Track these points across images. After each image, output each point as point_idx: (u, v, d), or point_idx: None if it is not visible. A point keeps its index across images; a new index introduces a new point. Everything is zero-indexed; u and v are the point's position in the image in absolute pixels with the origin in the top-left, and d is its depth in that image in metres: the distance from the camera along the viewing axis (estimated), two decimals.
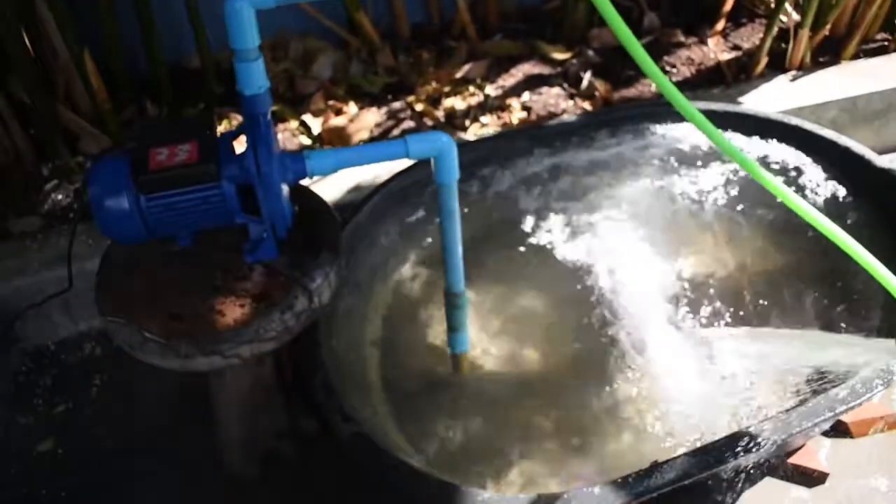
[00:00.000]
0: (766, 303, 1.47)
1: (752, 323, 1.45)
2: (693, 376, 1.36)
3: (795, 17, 2.02)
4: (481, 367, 1.40)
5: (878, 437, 1.37)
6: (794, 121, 1.58)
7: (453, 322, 1.27)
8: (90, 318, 1.55)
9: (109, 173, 0.98)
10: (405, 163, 1.45)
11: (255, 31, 0.92)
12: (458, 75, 2.00)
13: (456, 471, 1.24)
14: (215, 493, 1.32)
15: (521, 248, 1.57)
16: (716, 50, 2.08)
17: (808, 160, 1.55)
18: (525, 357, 1.43)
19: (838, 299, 1.43)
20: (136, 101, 1.90)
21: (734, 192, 1.59)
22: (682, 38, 2.10)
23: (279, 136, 1.84)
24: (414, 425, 1.29)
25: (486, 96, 1.95)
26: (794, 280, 1.49)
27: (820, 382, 1.24)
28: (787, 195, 1.14)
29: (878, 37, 2.10)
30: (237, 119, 1.88)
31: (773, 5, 1.96)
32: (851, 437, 1.37)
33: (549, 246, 1.56)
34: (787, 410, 1.11)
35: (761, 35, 1.96)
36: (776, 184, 1.14)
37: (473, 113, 1.90)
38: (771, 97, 1.90)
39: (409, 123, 1.88)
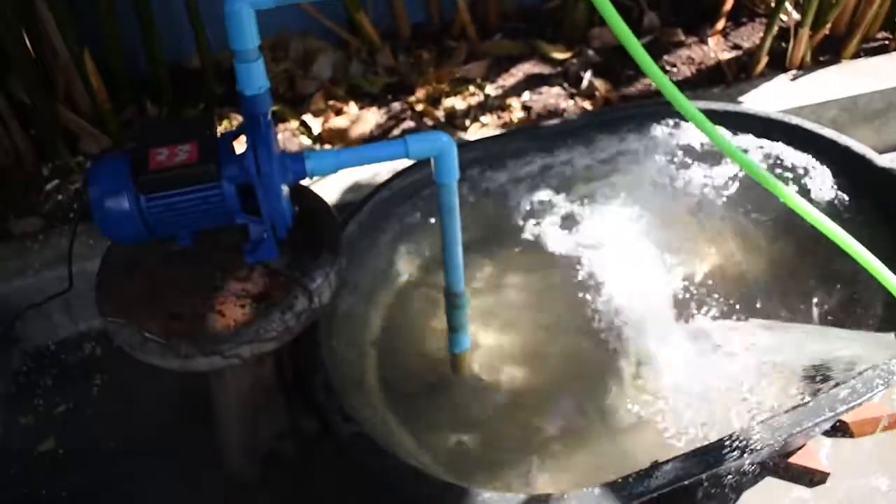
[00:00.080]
0: (767, 299, 1.47)
1: (754, 318, 1.45)
2: (695, 372, 1.36)
3: (796, 16, 2.02)
4: (481, 367, 1.40)
5: (879, 437, 1.37)
6: (795, 120, 1.58)
7: (453, 322, 1.27)
8: (90, 318, 1.56)
9: (109, 173, 0.97)
10: (405, 162, 1.45)
11: (254, 31, 0.92)
12: (459, 75, 2.00)
13: (456, 470, 1.23)
14: (215, 494, 1.32)
15: (521, 248, 1.57)
16: (716, 49, 2.08)
17: (809, 159, 1.54)
18: (526, 356, 1.43)
19: (839, 295, 1.43)
20: (136, 101, 1.90)
21: (735, 190, 1.59)
22: (682, 38, 2.10)
23: (279, 136, 1.84)
24: (414, 425, 1.29)
25: (487, 96, 1.95)
26: (795, 277, 1.49)
27: (822, 378, 1.25)
28: (787, 194, 1.14)
29: (879, 36, 2.10)
30: (237, 119, 1.88)
31: (773, 4, 1.96)
32: (852, 436, 1.37)
33: (548, 245, 1.56)
34: (788, 410, 1.11)
35: (761, 34, 1.96)
36: (776, 183, 1.14)
37: (474, 113, 1.90)
38: (771, 96, 1.90)
39: (409, 123, 1.88)
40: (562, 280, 1.52)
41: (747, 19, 2.18)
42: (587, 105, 1.91)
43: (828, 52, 2.03)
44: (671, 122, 1.62)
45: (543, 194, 1.61)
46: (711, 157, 1.61)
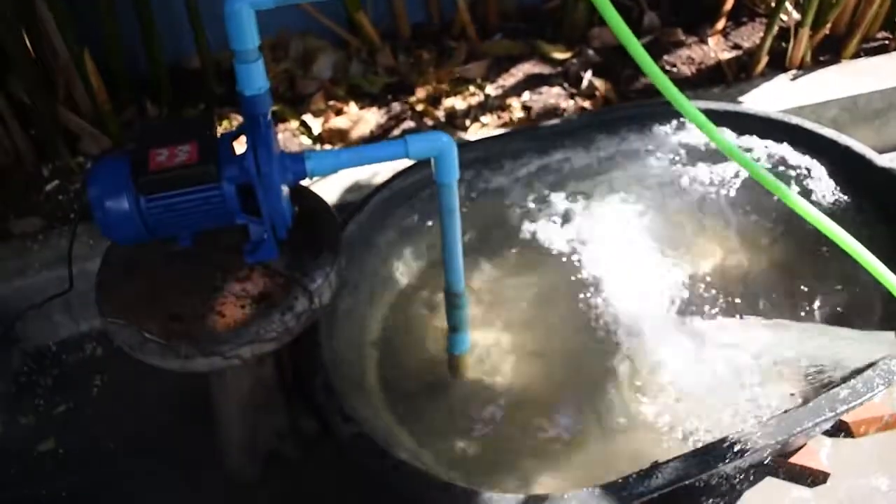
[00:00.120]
0: (767, 298, 1.47)
1: (754, 317, 1.45)
2: (695, 372, 1.36)
3: (796, 15, 2.02)
4: (481, 367, 1.40)
5: (880, 437, 1.37)
6: (795, 120, 1.58)
7: (454, 322, 1.27)
8: (91, 318, 1.56)
9: (109, 174, 0.98)
10: (405, 163, 1.45)
11: (254, 31, 0.92)
12: (459, 75, 2.00)
13: (456, 470, 1.23)
14: (216, 494, 1.32)
15: (521, 248, 1.57)
16: (716, 49, 2.08)
17: (809, 159, 1.54)
18: (525, 356, 1.43)
19: (839, 294, 1.43)
20: (136, 101, 1.90)
21: (735, 190, 1.59)
22: (682, 38, 2.10)
23: (279, 136, 1.84)
24: (414, 425, 1.29)
25: (487, 96, 1.95)
26: (795, 276, 1.49)
27: (822, 377, 1.25)
28: (787, 194, 1.14)
29: (879, 35, 2.10)
30: (237, 119, 1.88)
31: (773, 4, 1.96)
32: (852, 436, 1.37)
33: (548, 245, 1.56)
34: (788, 410, 1.11)
35: (762, 34, 1.96)
36: (776, 183, 1.14)
37: (474, 113, 1.90)
38: (771, 96, 1.90)
39: (409, 123, 1.88)
40: (561, 280, 1.52)
41: (747, 19, 2.18)
42: (587, 105, 1.91)
43: (828, 52, 2.03)
44: (671, 122, 1.62)
45: (543, 194, 1.61)
46: (712, 156, 1.61)
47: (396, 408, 1.31)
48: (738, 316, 1.46)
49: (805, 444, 1.31)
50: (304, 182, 1.07)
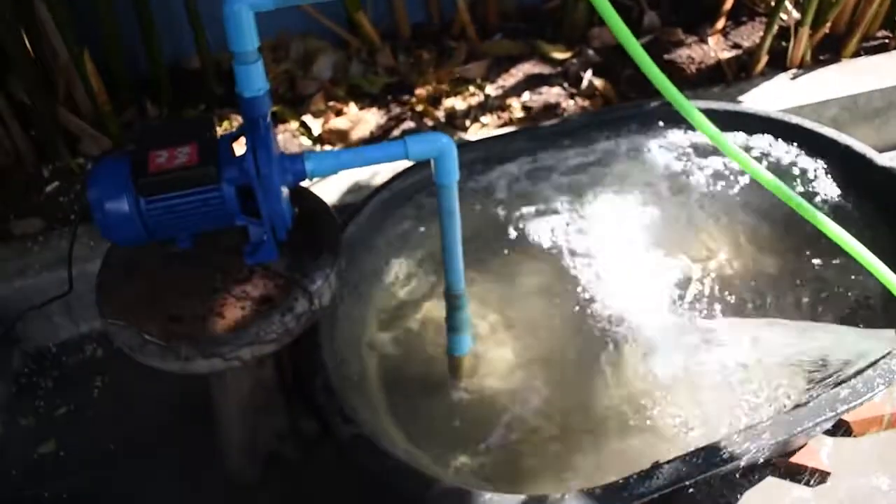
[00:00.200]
0: (767, 296, 1.47)
1: (755, 316, 1.45)
2: (695, 371, 1.36)
3: (796, 15, 2.02)
4: (482, 368, 1.40)
5: (880, 436, 1.36)
6: (795, 119, 1.58)
7: (454, 323, 1.26)
8: (91, 319, 1.56)
9: (109, 176, 0.98)
10: (405, 163, 1.45)
11: (253, 33, 0.92)
12: (459, 75, 2.00)
13: (456, 472, 1.23)
14: (216, 494, 1.32)
15: (520, 248, 1.57)
16: (716, 48, 2.07)
17: (809, 159, 1.54)
18: (526, 356, 1.43)
19: (839, 292, 1.43)
20: (136, 101, 1.91)
21: (735, 188, 1.59)
22: (682, 37, 2.10)
23: (280, 136, 1.84)
24: (415, 426, 1.29)
25: (487, 96, 1.95)
26: (795, 274, 1.49)
27: (823, 375, 1.25)
28: (787, 193, 1.14)
29: (879, 34, 2.10)
30: (237, 120, 1.88)
31: (773, 3, 1.96)
32: (853, 435, 1.36)
33: (548, 244, 1.56)
34: (789, 409, 1.11)
35: (762, 33, 1.96)
36: (775, 182, 1.14)
37: (474, 113, 1.90)
38: (771, 95, 1.89)
39: (409, 124, 1.88)
40: (561, 279, 1.52)
41: (747, 18, 2.18)
42: (587, 105, 1.91)
43: (828, 51, 2.03)
44: (671, 121, 1.62)
45: (542, 194, 1.61)
46: (711, 156, 1.61)
47: (397, 409, 1.31)
48: (738, 315, 1.46)
49: (806, 444, 1.31)
50: (304, 183, 1.07)
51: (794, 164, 1.55)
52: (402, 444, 1.23)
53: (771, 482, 1.31)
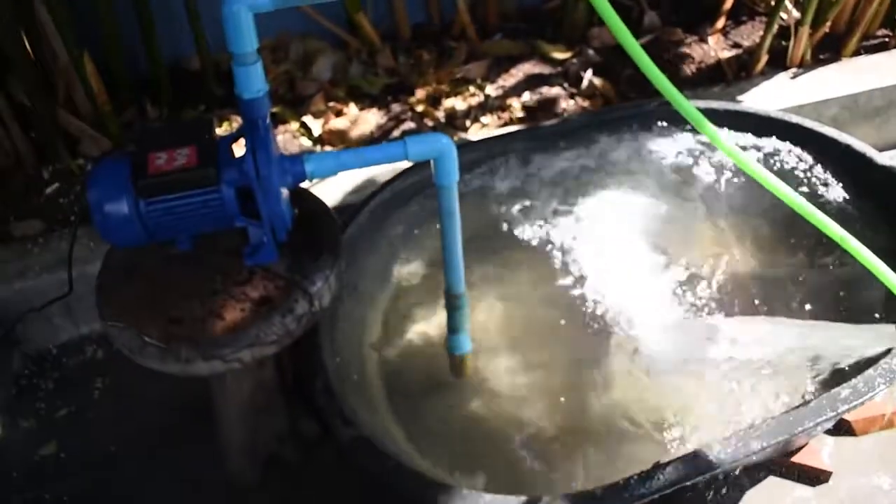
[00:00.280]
0: (767, 295, 1.47)
1: (755, 314, 1.45)
2: (695, 370, 1.36)
3: (796, 14, 2.02)
4: (482, 368, 1.40)
5: (881, 436, 1.37)
6: (795, 118, 1.58)
7: (454, 323, 1.26)
8: (91, 321, 1.56)
9: (109, 178, 0.97)
10: (406, 164, 1.45)
11: (253, 34, 0.92)
12: (459, 76, 2.00)
13: (457, 473, 1.23)
14: (216, 496, 1.32)
15: (519, 247, 1.57)
16: (716, 48, 2.07)
17: (809, 158, 1.54)
18: (526, 357, 1.43)
19: (839, 290, 1.43)
20: (136, 102, 1.90)
21: (734, 188, 1.59)
22: (682, 37, 2.10)
23: (280, 137, 1.84)
24: (415, 427, 1.29)
25: (487, 96, 1.94)
26: (795, 273, 1.49)
27: (824, 373, 1.24)
28: (786, 193, 1.14)
29: (879, 33, 2.09)
30: (237, 121, 1.88)
31: (773, 3, 1.96)
32: (854, 435, 1.36)
33: (547, 244, 1.56)
34: (790, 409, 1.11)
35: (762, 33, 1.96)
36: (775, 181, 1.14)
37: (474, 113, 1.90)
38: (771, 95, 1.89)
39: (409, 124, 1.88)
40: (561, 279, 1.51)
41: (747, 18, 2.18)
42: (587, 105, 1.91)
43: (828, 50, 2.03)
44: (671, 121, 1.62)
45: (542, 194, 1.61)
46: (711, 155, 1.61)
47: (398, 410, 1.31)
48: (740, 314, 1.46)
49: (807, 444, 1.31)
50: (304, 184, 1.07)
51: (793, 163, 1.55)
52: (403, 445, 1.23)
53: (772, 481, 1.31)
